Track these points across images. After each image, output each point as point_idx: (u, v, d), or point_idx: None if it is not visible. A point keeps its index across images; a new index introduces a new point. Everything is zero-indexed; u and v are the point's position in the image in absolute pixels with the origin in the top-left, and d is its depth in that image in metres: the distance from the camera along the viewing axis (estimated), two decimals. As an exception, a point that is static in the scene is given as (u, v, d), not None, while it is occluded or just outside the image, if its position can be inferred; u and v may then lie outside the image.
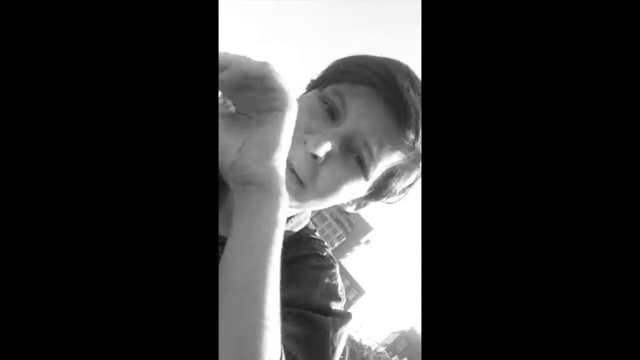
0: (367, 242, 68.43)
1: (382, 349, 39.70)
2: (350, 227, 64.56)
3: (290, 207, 0.45)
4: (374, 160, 0.44)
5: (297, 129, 0.36)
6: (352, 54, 0.49)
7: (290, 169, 0.42)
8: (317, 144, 0.41)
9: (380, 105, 0.42)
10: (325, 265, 0.53)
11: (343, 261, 63.64)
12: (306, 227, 0.58)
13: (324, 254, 0.55)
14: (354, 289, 56.16)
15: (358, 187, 0.47)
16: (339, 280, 0.53)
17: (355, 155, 0.45)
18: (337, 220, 64.39)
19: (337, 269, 0.53)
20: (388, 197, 0.51)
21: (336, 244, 62.91)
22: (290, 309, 0.44)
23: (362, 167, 0.45)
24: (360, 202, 0.54)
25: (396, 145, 0.43)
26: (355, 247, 67.01)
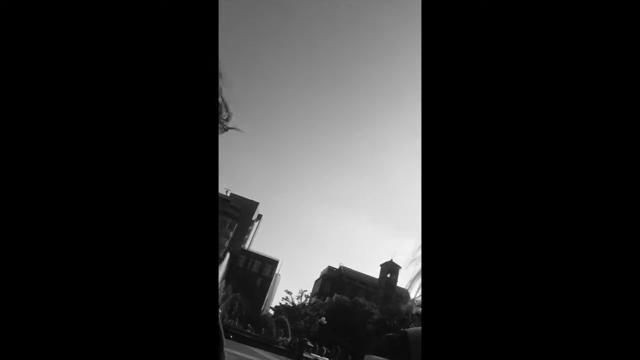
0: (259, 217, 69.36)
1: (314, 299, 42.90)
2: (236, 211, 63.90)
3: None
4: None
5: None
6: None
7: None
8: None
9: None
10: None
11: (245, 245, 63.61)
12: None
13: None
14: (267, 264, 57.31)
15: None
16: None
17: None
18: (223, 212, 62.68)
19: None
20: None
21: (230, 234, 61.99)
22: None
23: None
24: None
25: None
26: (250, 227, 67.24)
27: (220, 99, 0.42)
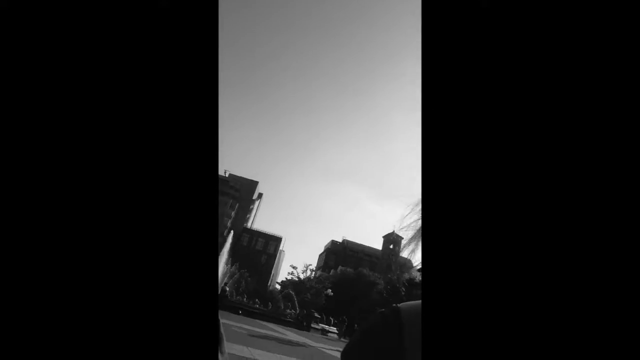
0: (259, 195, 69.69)
1: (319, 273, 43.73)
2: (236, 192, 64.07)
3: None
4: None
5: None
6: None
7: None
8: None
9: None
10: None
11: (248, 224, 64.23)
12: None
13: None
14: (270, 241, 58.01)
15: None
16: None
17: None
18: (222, 193, 62.83)
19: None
20: None
21: (232, 214, 62.41)
22: None
23: None
24: None
25: None
26: (252, 206, 67.63)
27: None
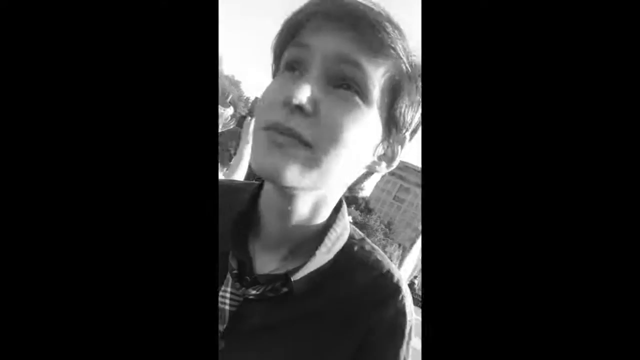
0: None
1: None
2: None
3: (309, 186, 0.38)
4: (359, 76, 0.37)
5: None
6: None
7: (290, 135, 0.36)
8: (295, 92, 0.35)
9: (338, 24, 0.36)
10: (388, 293, 0.42)
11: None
12: (352, 237, 0.46)
13: (384, 270, 0.44)
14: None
15: (367, 121, 0.38)
16: (407, 305, 0.43)
17: (340, 84, 0.37)
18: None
19: (403, 291, 0.43)
20: (405, 127, 0.41)
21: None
22: None
23: (355, 91, 0.37)
24: (387, 150, 0.42)
25: (373, 53, 0.36)
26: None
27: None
